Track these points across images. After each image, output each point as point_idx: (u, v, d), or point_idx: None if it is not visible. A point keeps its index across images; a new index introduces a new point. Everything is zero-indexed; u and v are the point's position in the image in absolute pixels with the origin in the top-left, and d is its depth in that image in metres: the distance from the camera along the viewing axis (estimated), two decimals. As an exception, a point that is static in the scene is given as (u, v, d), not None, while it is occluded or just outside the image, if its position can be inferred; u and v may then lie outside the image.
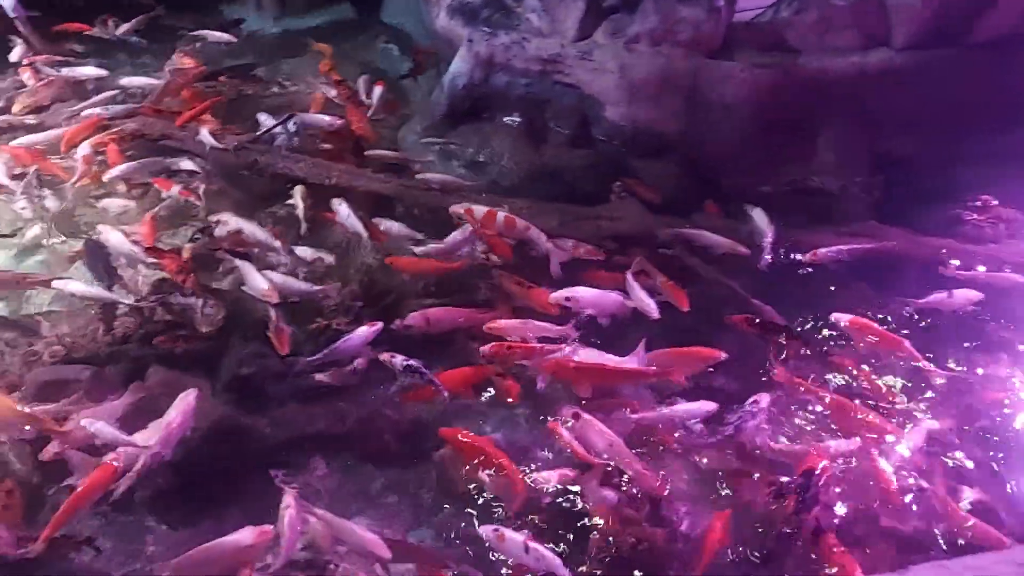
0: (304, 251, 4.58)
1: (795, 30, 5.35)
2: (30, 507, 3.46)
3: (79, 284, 4.39)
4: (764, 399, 3.69)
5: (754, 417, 3.59)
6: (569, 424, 3.65)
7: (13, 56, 5.83)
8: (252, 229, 4.59)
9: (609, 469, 3.57)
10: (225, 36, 6.41)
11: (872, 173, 5.37)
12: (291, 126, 5.23)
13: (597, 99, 5.37)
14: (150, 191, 5.02)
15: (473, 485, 3.60)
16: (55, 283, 4.41)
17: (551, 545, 3.30)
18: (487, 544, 3.33)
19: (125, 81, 5.75)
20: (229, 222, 4.63)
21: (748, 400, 3.68)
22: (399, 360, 3.86)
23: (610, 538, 3.42)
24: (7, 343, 4.16)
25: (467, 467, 3.62)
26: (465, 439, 3.64)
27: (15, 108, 5.47)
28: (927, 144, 5.38)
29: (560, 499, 3.56)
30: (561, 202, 5.02)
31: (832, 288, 4.55)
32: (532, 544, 3.20)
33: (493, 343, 3.92)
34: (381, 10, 7.13)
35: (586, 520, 3.50)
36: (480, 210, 4.63)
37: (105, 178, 4.91)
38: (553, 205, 4.98)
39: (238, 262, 4.39)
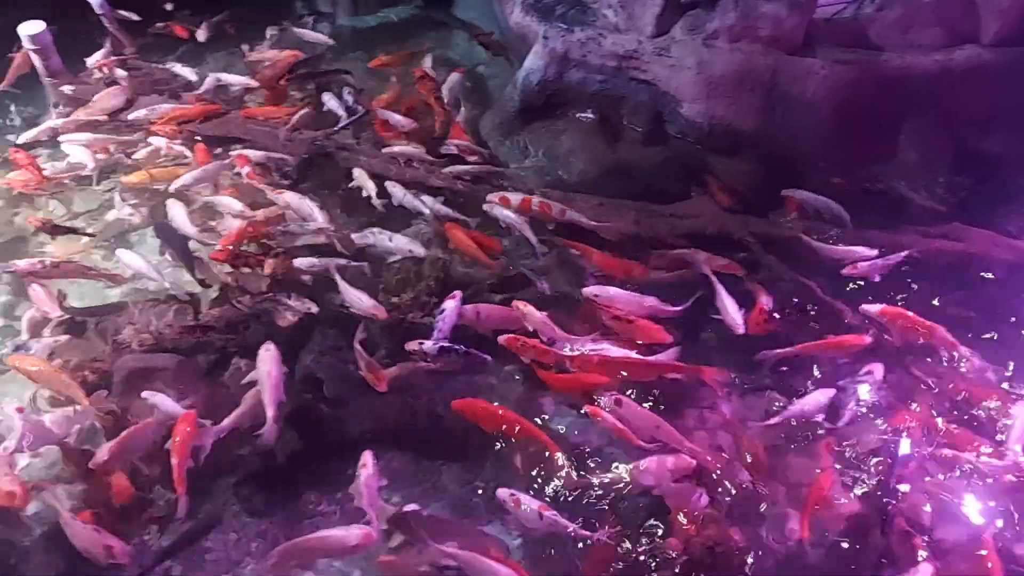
0: (400, 240, 4.62)
1: (878, 26, 5.23)
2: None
3: (135, 257, 4.59)
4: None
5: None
6: (611, 409, 3.70)
7: (91, 60, 5.92)
8: (300, 203, 4.80)
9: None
10: (322, 38, 6.46)
11: (956, 173, 5.23)
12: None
13: (673, 95, 5.32)
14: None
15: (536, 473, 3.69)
16: (119, 251, 4.66)
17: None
18: (504, 507, 3.46)
19: (224, 77, 5.88)
20: (284, 197, 4.83)
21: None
22: (429, 344, 4.00)
23: (689, 538, 3.41)
24: (98, 331, 4.32)
25: (488, 434, 3.75)
26: (479, 407, 3.76)
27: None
28: (1014, 143, 5.24)
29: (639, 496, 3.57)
30: (634, 199, 5.01)
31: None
32: (547, 512, 3.33)
33: (508, 335, 4.03)
34: (454, 6, 7.15)
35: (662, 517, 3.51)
36: (516, 198, 4.76)
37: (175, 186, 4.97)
38: (626, 202, 4.98)
39: (339, 280, 4.37)
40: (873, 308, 4.16)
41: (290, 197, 4.87)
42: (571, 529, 3.33)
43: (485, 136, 5.75)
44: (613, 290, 4.23)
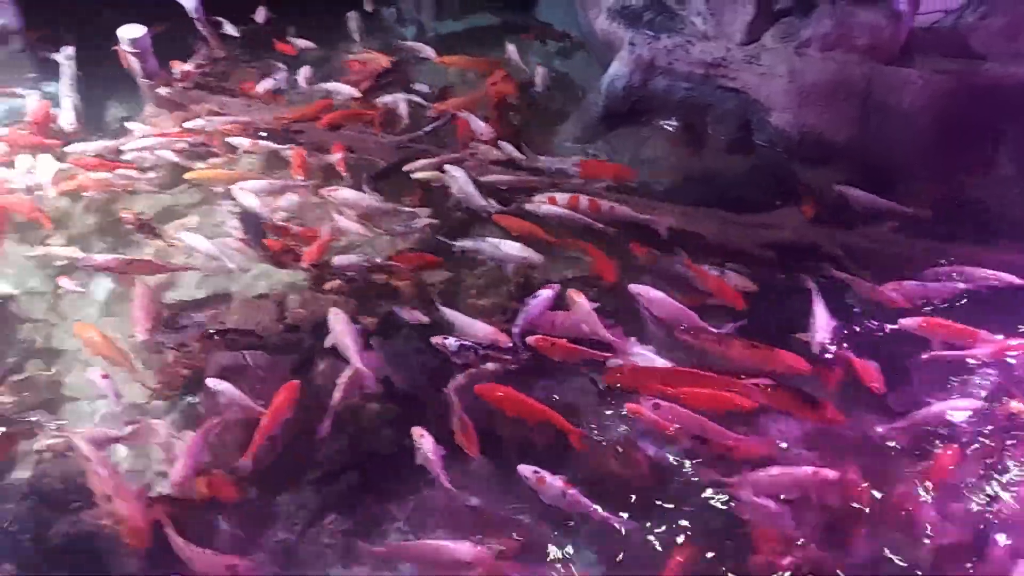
0: (512, 247, 4.59)
1: (980, 36, 5.07)
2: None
3: (200, 239, 4.70)
4: None
5: None
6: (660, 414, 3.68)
7: (186, 67, 6.08)
8: (359, 197, 4.91)
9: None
10: (428, 49, 6.51)
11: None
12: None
13: (763, 104, 5.24)
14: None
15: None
16: (182, 232, 4.77)
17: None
18: (527, 485, 3.48)
19: (330, 86, 5.98)
20: (339, 193, 4.92)
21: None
22: (452, 341, 4.06)
23: (772, 558, 3.34)
24: (189, 328, 4.44)
25: (510, 418, 3.77)
26: (501, 392, 3.78)
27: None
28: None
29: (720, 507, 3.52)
30: (718, 208, 4.95)
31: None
32: (571, 490, 3.38)
33: (537, 336, 4.04)
34: (536, 10, 7.17)
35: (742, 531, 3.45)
36: (563, 197, 4.78)
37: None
38: (710, 211, 4.92)
39: (448, 312, 4.25)
40: (912, 321, 4.06)
41: (347, 193, 4.96)
42: (592, 509, 3.37)
43: (564, 142, 5.73)
44: (656, 293, 4.20)
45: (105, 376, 4.01)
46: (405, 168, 5.18)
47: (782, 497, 3.46)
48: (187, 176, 5.23)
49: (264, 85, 6.00)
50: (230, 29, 6.53)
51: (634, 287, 4.27)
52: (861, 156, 5.14)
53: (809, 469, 3.46)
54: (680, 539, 3.42)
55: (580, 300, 4.17)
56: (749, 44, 5.26)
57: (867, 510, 3.42)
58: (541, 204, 4.81)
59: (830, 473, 3.42)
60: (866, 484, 3.46)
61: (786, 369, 3.82)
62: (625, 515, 3.48)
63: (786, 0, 5.22)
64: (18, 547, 3.49)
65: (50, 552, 3.49)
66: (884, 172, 5.07)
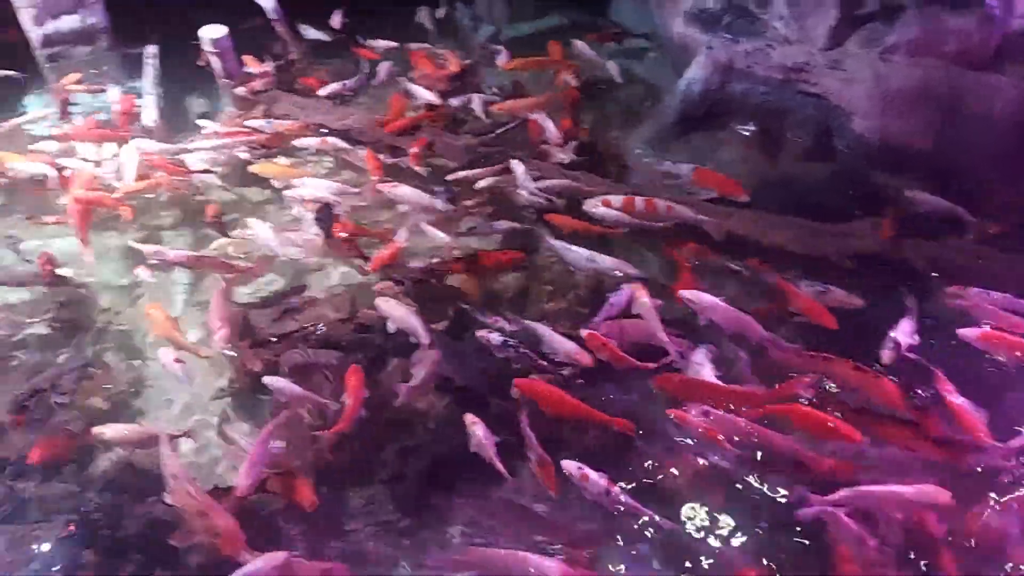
0: (604, 260, 4.52)
1: (1080, 40, 4.87)
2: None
3: (264, 228, 4.78)
4: None
5: None
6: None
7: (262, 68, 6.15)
8: (416, 195, 4.95)
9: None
10: (502, 52, 6.45)
11: None
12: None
13: (844, 109, 5.11)
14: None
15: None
16: (250, 219, 4.86)
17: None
18: (570, 479, 3.48)
19: (412, 89, 6.01)
20: (398, 190, 4.98)
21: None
22: (496, 336, 4.07)
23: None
24: (269, 326, 4.50)
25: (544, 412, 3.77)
26: (541, 387, 3.80)
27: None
28: None
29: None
30: (796, 215, 4.83)
31: None
32: (614, 489, 3.38)
33: (589, 332, 4.00)
34: (610, 11, 7.12)
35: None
36: (617, 199, 4.73)
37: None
38: (786, 218, 4.81)
39: (535, 326, 4.16)
40: (972, 332, 3.92)
41: (406, 191, 4.99)
42: (633, 507, 3.38)
43: (638, 145, 5.67)
44: (709, 298, 4.08)
45: (178, 360, 4.11)
46: (464, 175, 5.16)
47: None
48: (253, 169, 5.32)
49: (330, 88, 6.04)
50: (315, 33, 6.60)
51: (686, 293, 4.13)
52: (944, 164, 4.97)
53: (921, 488, 3.31)
54: (740, 547, 3.41)
55: (643, 299, 4.13)
56: (832, 49, 5.14)
57: (955, 535, 3.31)
58: (596, 206, 4.77)
59: (941, 495, 3.27)
60: (959, 509, 3.33)
61: (884, 400, 3.67)
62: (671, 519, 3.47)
63: (871, 4, 5.07)
64: (98, 537, 3.59)
65: (127, 542, 3.58)
66: (966, 181, 4.89)
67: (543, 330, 4.11)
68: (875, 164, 5.12)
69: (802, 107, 5.28)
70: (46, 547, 3.47)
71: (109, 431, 3.86)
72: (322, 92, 6.03)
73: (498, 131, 5.58)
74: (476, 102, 5.82)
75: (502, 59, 6.35)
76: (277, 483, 3.62)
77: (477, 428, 3.70)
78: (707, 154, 5.48)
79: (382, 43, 6.53)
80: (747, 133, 5.47)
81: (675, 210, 4.67)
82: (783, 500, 3.52)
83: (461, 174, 5.15)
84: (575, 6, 7.22)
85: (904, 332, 3.97)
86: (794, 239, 4.70)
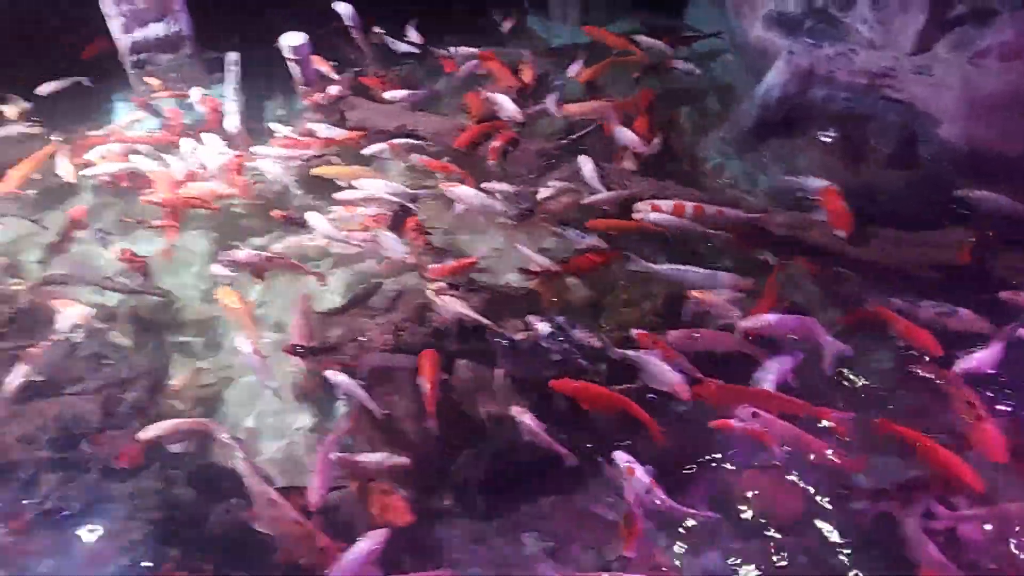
0: (724, 277, 4.44)
1: None
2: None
3: (320, 220, 4.90)
4: None
5: None
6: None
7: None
8: (475, 196, 4.99)
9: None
10: (575, 65, 6.39)
11: None
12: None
13: (931, 116, 4.93)
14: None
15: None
16: (308, 214, 4.95)
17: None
18: (617, 471, 3.54)
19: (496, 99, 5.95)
20: (458, 190, 5.02)
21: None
22: (544, 326, 4.16)
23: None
24: (344, 329, 4.56)
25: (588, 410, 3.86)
26: (577, 385, 3.86)
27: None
28: None
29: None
30: (878, 224, 4.73)
31: None
32: (656, 488, 3.43)
33: (640, 331, 4.10)
34: (685, 15, 7.04)
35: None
36: (667, 204, 4.72)
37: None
38: (868, 227, 4.70)
39: (636, 355, 4.05)
40: None
41: (463, 191, 5.03)
42: (671, 507, 3.44)
43: (713, 150, 5.60)
44: (771, 317, 4.10)
45: (256, 352, 4.23)
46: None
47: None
48: (315, 172, 5.39)
49: (396, 94, 6.07)
50: (405, 47, 6.62)
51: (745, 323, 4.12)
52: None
53: None
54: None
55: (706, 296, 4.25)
56: (919, 54, 4.98)
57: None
58: (646, 210, 4.77)
59: None
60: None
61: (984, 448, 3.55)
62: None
63: (960, 7, 4.90)
64: (181, 534, 3.69)
65: (209, 539, 3.68)
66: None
67: (642, 359, 4.00)
68: (962, 172, 4.92)
69: (886, 113, 5.12)
70: (133, 543, 3.58)
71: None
72: (388, 95, 6.08)
73: (571, 136, 5.57)
74: (551, 104, 5.80)
75: (574, 69, 6.30)
76: (374, 501, 3.66)
77: (525, 417, 3.80)
78: (785, 160, 5.37)
79: (464, 50, 6.51)
80: (827, 139, 5.33)
81: (725, 215, 4.68)
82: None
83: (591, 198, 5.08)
84: (649, 9, 7.15)
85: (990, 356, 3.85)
86: (876, 249, 4.60)
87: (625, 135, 5.43)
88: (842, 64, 5.10)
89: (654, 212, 4.74)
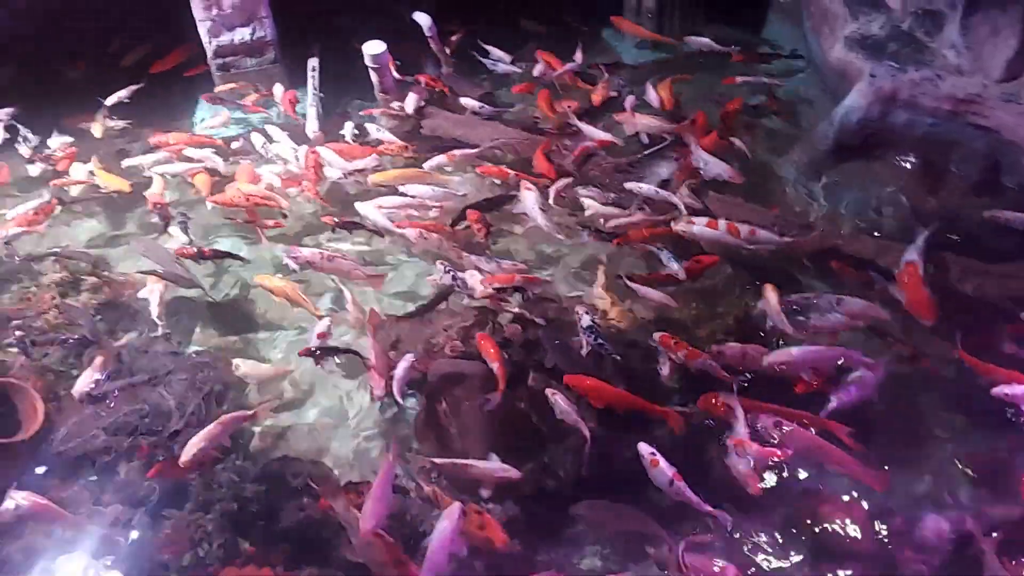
0: (855, 303, 4.32)
1: None
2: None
3: (374, 212, 5.08)
4: None
5: None
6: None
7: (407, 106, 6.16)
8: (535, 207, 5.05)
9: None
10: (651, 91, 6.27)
11: None
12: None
13: (1018, 145, 4.83)
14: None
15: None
16: (359, 204, 5.10)
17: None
18: (641, 462, 3.63)
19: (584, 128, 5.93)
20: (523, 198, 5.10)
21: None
22: (586, 319, 4.28)
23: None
24: (411, 334, 4.63)
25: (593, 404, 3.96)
26: (589, 383, 3.98)
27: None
28: None
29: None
30: (958, 253, 4.64)
31: None
32: (679, 481, 3.50)
33: (663, 334, 4.22)
34: (763, 31, 6.99)
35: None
36: (701, 220, 4.79)
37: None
38: (948, 256, 4.62)
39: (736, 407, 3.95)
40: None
41: (527, 197, 5.09)
42: (696, 502, 3.50)
43: (789, 171, 5.55)
44: (796, 351, 4.09)
45: (322, 335, 4.43)
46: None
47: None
48: (373, 179, 5.46)
49: (468, 103, 6.11)
50: (504, 67, 6.57)
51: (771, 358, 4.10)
52: None
53: None
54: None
55: (771, 296, 4.33)
56: (1009, 81, 4.89)
57: None
58: (684, 225, 4.81)
59: None
60: None
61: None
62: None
63: (1055, 34, 4.81)
64: (253, 527, 3.78)
65: (280, 534, 3.76)
66: None
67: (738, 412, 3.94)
68: (1048, 203, 4.84)
69: (970, 140, 5.03)
70: (207, 534, 3.67)
71: (244, 366, 4.40)
72: (463, 102, 6.15)
73: (645, 152, 5.56)
74: (627, 121, 5.81)
75: (653, 97, 6.16)
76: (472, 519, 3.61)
77: (558, 398, 3.98)
78: (862, 184, 5.31)
79: (539, 63, 6.50)
80: (907, 165, 5.26)
81: (758, 235, 4.69)
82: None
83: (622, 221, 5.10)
84: (726, 24, 7.09)
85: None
86: (956, 278, 4.51)
87: (714, 165, 5.31)
88: (927, 89, 5.02)
89: (691, 225, 4.80)
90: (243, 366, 4.48)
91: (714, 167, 5.27)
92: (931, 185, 5.17)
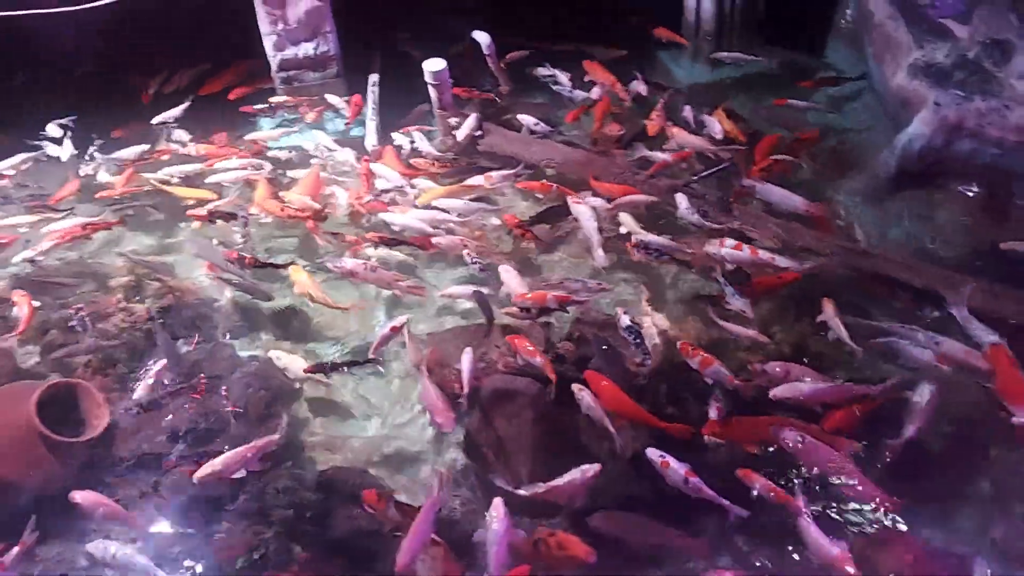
0: (953, 346, 4.17)
1: None
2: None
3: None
4: None
5: None
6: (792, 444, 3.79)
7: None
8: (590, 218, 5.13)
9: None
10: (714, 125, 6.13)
11: None
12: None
13: (1087, 178, 4.76)
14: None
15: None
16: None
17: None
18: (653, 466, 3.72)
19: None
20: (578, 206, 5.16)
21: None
22: (625, 319, 4.45)
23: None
24: (462, 347, 4.66)
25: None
26: (605, 383, 4.07)
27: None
28: None
29: None
30: (1021, 288, 4.55)
31: None
32: (693, 478, 3.59)
33: (684, 342, 4.32)
34: (823, 54, 6.94)
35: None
36: (730, 241, 4.81)
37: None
38: (1010, 290, 4.54)
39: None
40: None
41: (581, 210, 5.15)
42: (713, 496, 3.58)
43: (848, 198, 5.50)
44: (806, 386, 4.06)
45: (395, 328, 4.57)
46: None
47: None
48: (419, 202, 5.51)
49: (525, 120, 6.18)
50: (566, 92, 6.60)
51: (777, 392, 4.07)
52: None
53: None
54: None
55: (829, 308, 4.43)
56: (1079, 112, 4.81)
57: None
58: (714, 246, 4.82)
59: None
60: None
61: None
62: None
63: None
64: (307, 534, 3.84)
65: (334, 543, 3.81)
66: None
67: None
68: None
69: (1037, 172, 4.96)
70: (263, 539, 3.74)
71: (285, 359, 4.53)
72: (521, 118, 6.23)
73: (703, 173, 5.54)
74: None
75: (716, 129, 6.01)
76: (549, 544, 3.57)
77: (584, 394, 4.07)
78: (922, 213, 5.25)
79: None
80: (970, 194, 5.19)
81: (776, 261, 4.68)
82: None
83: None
84: (786, 46, 7.05)
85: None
86: (1016, 312, 4.43)
87: (786, 198, 5.21)
88: (993, 119, 4.95)
89: (720, 247, 4.81)
90: (284, 358, 4.57)
91: (786, 200, 5.19)
92: (995, 216, 5.09)
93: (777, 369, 4.18)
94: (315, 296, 4.83)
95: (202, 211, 5.43)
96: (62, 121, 6.35)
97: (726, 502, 3.61)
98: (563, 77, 6.69)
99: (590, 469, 3.77)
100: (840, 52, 6.95)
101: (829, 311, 4.45)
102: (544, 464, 4.00)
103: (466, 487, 4.03)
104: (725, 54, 6.87)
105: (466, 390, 4.25)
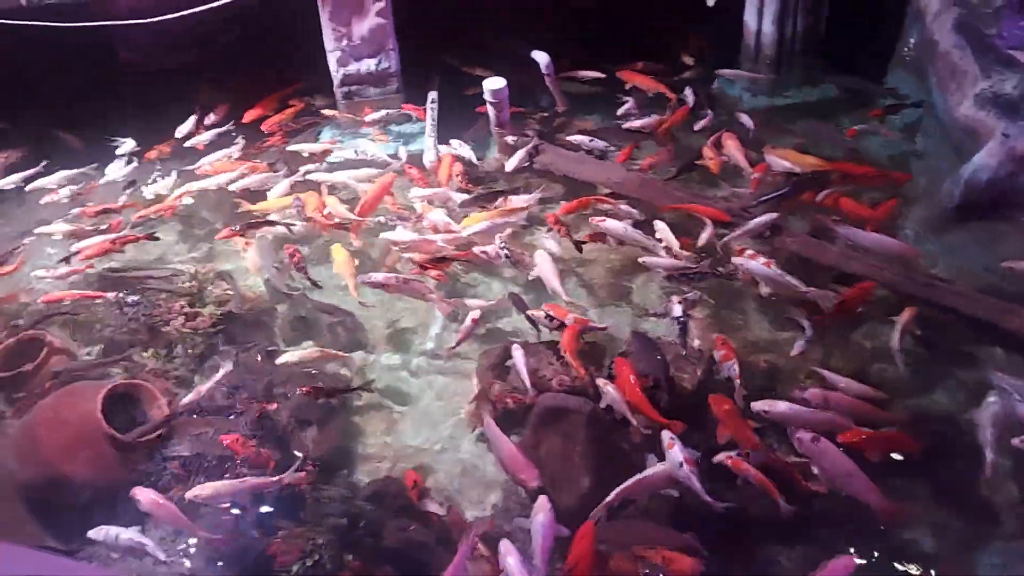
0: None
1: None
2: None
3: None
4: None
5: None
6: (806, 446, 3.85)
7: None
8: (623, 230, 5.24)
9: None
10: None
11: None
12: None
13: None
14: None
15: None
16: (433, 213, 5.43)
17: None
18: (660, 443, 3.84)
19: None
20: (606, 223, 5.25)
21: None
22: (677, 308, 4.64)
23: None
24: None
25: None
26: (625, 369, 4.23)
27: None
28: None
29: None
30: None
31: None
32: (689, 466, 3.69)
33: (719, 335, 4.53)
34: (885, 82, 6.87)
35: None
36: (762, 258, 4.87)
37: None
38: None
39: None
40: None
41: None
42: (698, 489, 3.65)
43: (909, 228, 5.41)
44: (784, 406, 4.12)
45: (476, 321, 4.77)
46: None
47: None
48: (464, 224, 5.47)
49: (577, 139, 6.23)
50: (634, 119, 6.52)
51: (758, 404, 4.15)
52: None
53: None
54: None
55: (906, 315, 4.54)
56: None
57: None
58: (743, 259, 4.90)
59: None
60: None
61: None
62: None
63: None
64: (359, 542, 3.87)
65: (385, 553, 3.84)
66: None
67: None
68: None
69: (1108, 207, 4.85)
70: (316, 546, 3.76)
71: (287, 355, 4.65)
72: (570, 138, 6.26)
73: (761, 198, 5.49)
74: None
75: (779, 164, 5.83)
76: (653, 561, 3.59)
77: (609, 387, 4.20)
78: (986, 245, 5.16)
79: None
80: (1036, 227, 5.10)
81: (785, 280, 4.73)
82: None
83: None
84: (846, 73, 6.99)
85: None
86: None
87: (885, 244, 5.09)
88: (1062, 152, 4.87)
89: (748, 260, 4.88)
90: (286, 355, 4.68)
91: (885, 246, 5.08)
92: (1060, 249, 4.99)
93: (817, 394, 4.18)
94: (346, 278, 5.00)
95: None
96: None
97: (710, 498, 3.66)
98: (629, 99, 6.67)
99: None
100: (900, 79, 6.87)
101: (905, 317, 4.53)
102: (601, 484, 3.96)
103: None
104: (728, 71, 6.93)
105: (529, 386, 4.32)
